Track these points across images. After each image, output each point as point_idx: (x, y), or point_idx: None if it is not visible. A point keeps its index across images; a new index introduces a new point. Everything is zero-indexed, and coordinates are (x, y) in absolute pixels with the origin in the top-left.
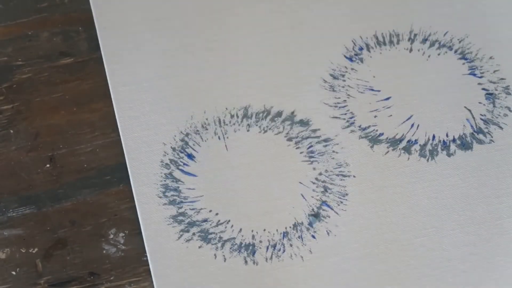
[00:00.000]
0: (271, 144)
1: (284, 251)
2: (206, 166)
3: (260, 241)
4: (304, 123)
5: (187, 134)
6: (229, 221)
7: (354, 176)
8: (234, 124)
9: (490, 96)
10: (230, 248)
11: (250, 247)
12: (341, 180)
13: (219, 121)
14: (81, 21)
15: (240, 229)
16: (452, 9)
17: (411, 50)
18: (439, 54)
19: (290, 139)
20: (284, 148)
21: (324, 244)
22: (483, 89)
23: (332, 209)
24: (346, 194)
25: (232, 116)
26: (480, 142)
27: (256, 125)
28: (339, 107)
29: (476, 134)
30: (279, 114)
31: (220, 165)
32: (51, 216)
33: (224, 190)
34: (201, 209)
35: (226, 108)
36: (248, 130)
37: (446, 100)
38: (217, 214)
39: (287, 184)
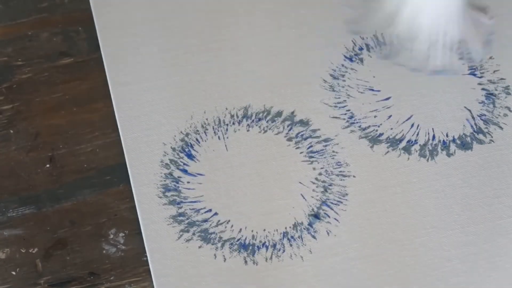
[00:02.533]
0: (271, 144)
1: (284, 251)
2: (206, 166)
3: (260, 241)
4: (304, 123)
5: (187, 134)
6: (229, 221)
7: (354, 176)
8: (234, 124)
9: (490, 96)
10: (230, 248)
11: (250, 247)
12: (341, 180)
13: (219, 121)
14: (81, 21)
15: (240, 229)
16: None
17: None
18: None
19: (290, 139)
20: (284, 148)
21: (324, 244)
22: (483, 89)
23: (332, 209)
24: (346, 194)
25: (232, 116)
26: (480, 142)
27: (256, 125)
28: (339, 107)
29: (476, 134)
30: (279, 114)
31: (220, 165)
32: (50, 216)
33: (224, 190)
34: (201, 209)
35: (226, 108)
36: (248, 130)
37: (446, 100)
38: (216, 214)
39: (287, 184)
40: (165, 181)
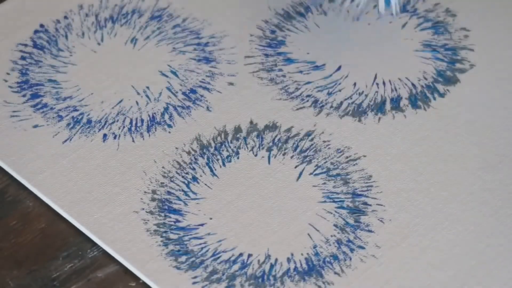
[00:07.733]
0: (254, 162)
1: (350, 258)
2: (205, 209)
3: (319, 260)
4: (271, 127)
5: (153, 192)
6: (269, 256)
7: (364, 156)
8: (197, 160)
9: (438, 24)
10: (292, 281)
11: (313, 271)
12: (354, 165)
13: (178, 165)
14: None
15: (288, 259)
16: None
17: (325, 14)
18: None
19: (269, 149)
20: (268, 159)
21: (386, 232)
22: (427, 20)
23: (367, 196)
24: (370, 176)
25: (189, 153)
26: (462, 71)
27: (222, 151)
28: (295, 97)
29: (452, 65)
30: (238, 129)
31: (217, 206)
32: None
33: (239, 227)
34: (231, 257)
35: (176, 148)
36: (218, 159)
37: (398, 47)
38: (251, 254)
39: (302, 194)
40: (167, 247)
